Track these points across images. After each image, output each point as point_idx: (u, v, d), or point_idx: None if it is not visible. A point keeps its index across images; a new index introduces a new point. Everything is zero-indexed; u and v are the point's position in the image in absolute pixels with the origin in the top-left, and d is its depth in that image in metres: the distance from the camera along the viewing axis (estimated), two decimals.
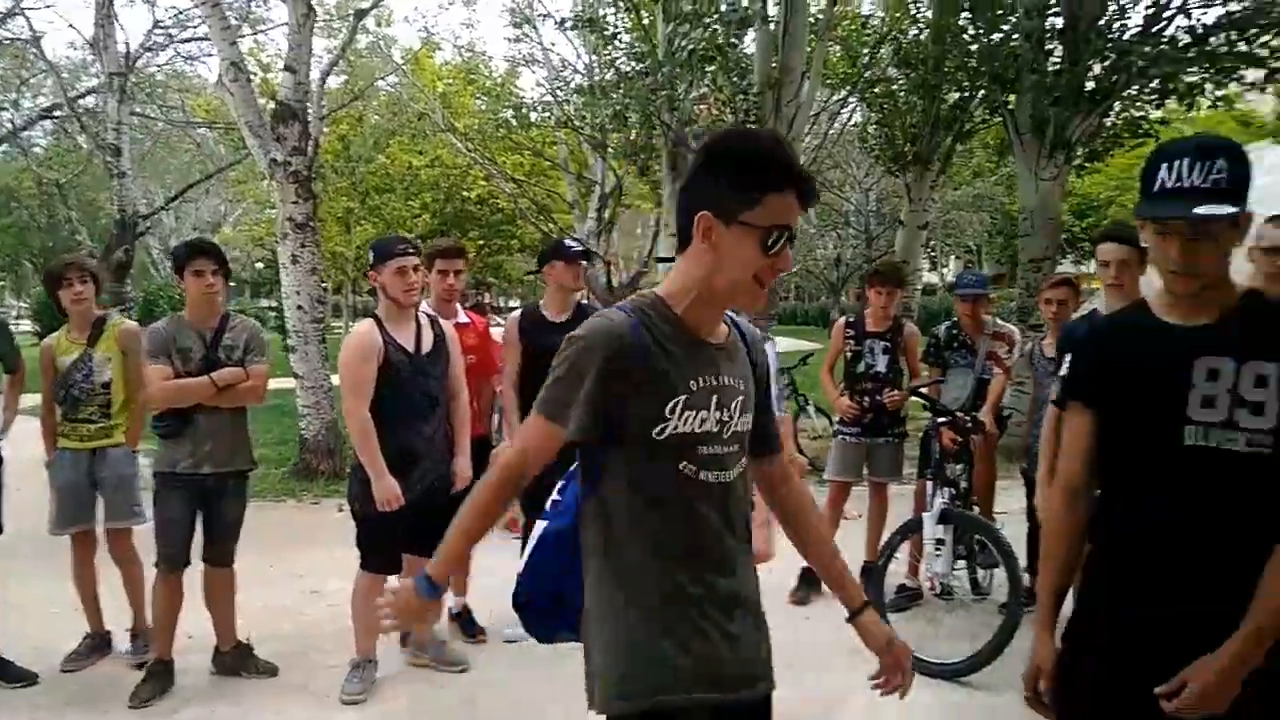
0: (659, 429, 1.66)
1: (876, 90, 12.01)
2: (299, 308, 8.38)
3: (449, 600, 4.53)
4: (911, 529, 4.62)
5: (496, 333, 4.93)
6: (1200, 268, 1.74)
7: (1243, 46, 8.13)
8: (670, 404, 1.66)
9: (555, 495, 1.88)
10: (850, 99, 13.54)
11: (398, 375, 3.69)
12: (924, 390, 4.99)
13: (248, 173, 21.98)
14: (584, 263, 4.38)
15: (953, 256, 35.68)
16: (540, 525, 1.87)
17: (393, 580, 3.86)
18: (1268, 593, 1.67)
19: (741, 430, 1.77)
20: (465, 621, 4.51)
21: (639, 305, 1.72)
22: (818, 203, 1.56)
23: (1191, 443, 1.73)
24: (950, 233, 29.56)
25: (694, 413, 1.68)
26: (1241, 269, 3.71)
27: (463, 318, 4.53)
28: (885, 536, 4.73)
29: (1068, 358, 1.98)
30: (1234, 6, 8.18)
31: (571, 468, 1.84)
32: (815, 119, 12.89)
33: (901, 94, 11.58)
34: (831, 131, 15.27)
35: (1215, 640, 1.69)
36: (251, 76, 9.92)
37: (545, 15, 15.20)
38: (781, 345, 13.52)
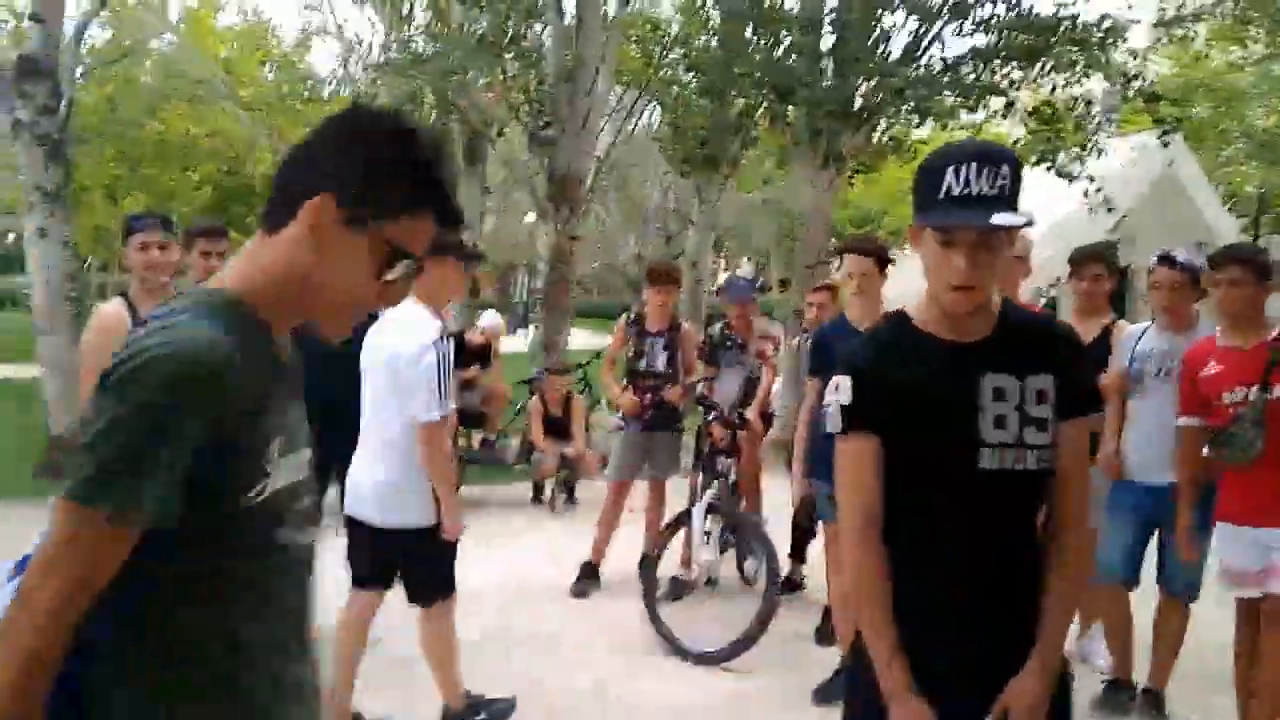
0: (259, 489, 1.18)
1: (670, 91, 12.39)
2: (47, 283, 7.65)
3: None
4: (682, 522, 4.85)
5: None
6: (983, 281, 1.65)
7: (987, 77, 9.04)
8: (269, 452, 1.19)
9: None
10: (646, 98, 13.87)
11: None
12: (698, 387, 5.25)
13: None
14: None
15: (745, 258, 37.29)
16: None
17: None
18: (1055, 605, 1.71)
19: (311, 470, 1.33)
20: None
21: (216, 308, 1.18)
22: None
23: (987, 466, 1.67)
24: (742, 236, 30.86)
25: (291, 458, 1.24)
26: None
27: None
28: None
29: (846, 381, 1.75)
30: (980, 40, 9.08)
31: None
32: (611, 115, 13.12)
33: (692, 98, 12.00)
34: (629, 130, 15.60)
35: (1011, 646, 1.69)
36: None
37: None
38: (579, 340, 13.74)
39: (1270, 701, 3.19)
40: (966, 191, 1.60)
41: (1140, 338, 3.78)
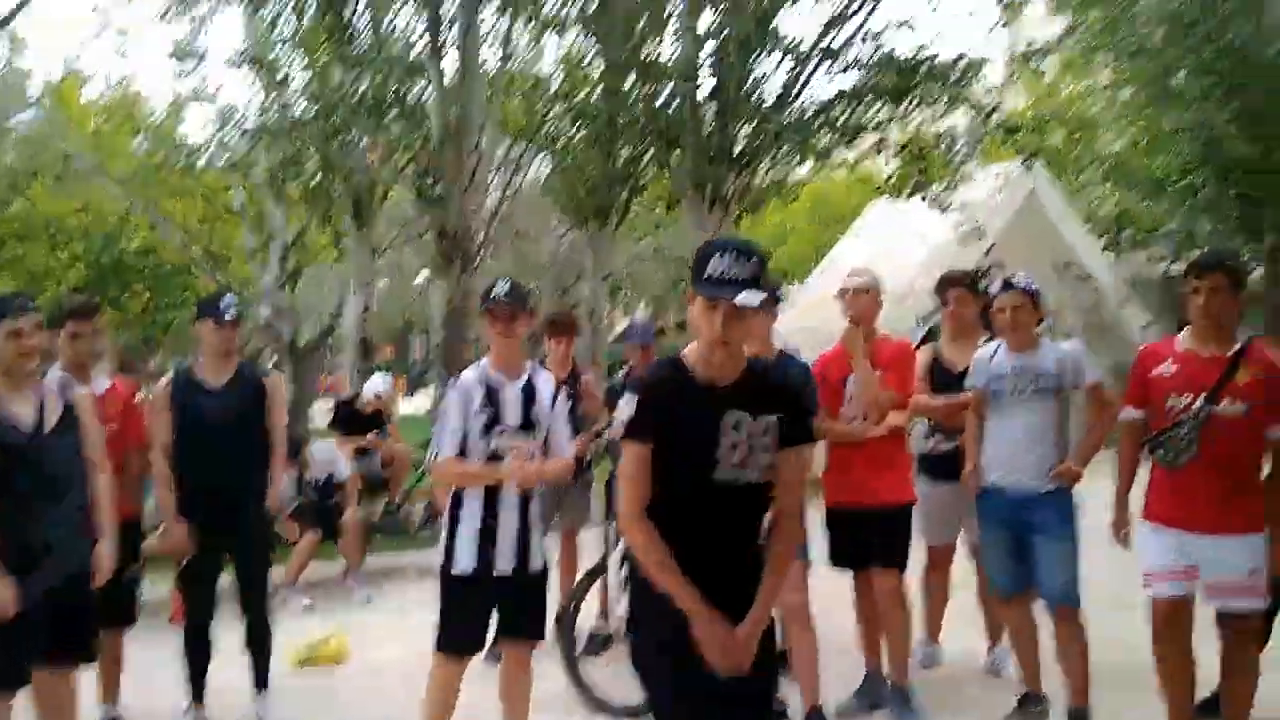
0: None
1: (556, 144, 12.51)
2: None
3: (98, 711, 4.06)
4: (598, 572, 4.79)
5: None
6: (734, 337, 2.27)
7: (858, 116, 9.46)
8: None
9: None
10: (534, 151, 13.95)
11: (11, 456, 3.25)
12: (603, 434, 5.23)
13: None
14: (234, 325, 4.21)
15: (641, 304, 37.67)
16: None
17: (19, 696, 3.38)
18: (769, 580, 2.33)
19: None
20: None
21: None
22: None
23: (721, 479, 2.28)
24: (637, 283, 31.10)
25: None
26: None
27: (103, 384, 4.12)
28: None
29: (632, 402, 2.34)
30: (849, 80, 9.51)
31: None
32: (499, 170, 13.15)
33: (579, 149, 12.15)
34: (519, 184, 15.63)
35: (737, 604, 2.28)
36: None
37: (202, 56, 14.05)
38: None
39: (1236, 708, 3.36)
40: (723, 274, 2.21)
41: (993, 358, 3.90)
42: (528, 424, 3.41)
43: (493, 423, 3.36)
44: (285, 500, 6.28)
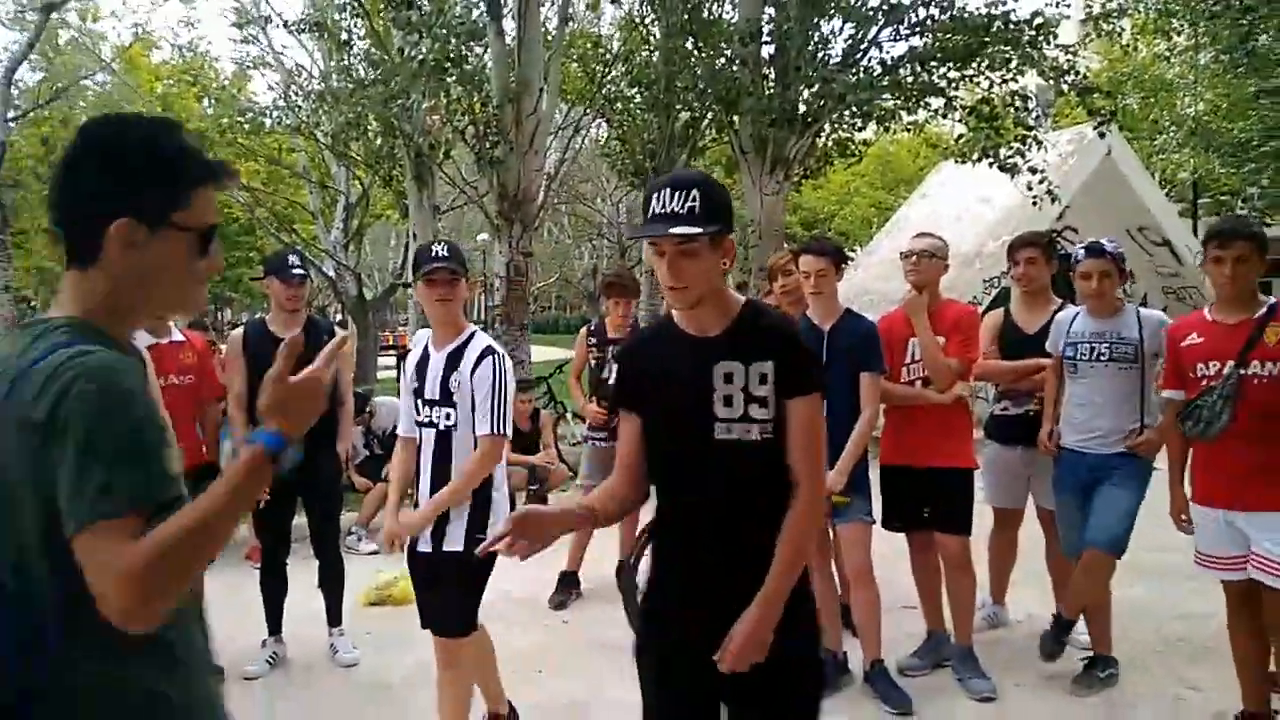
0: None
1: (615, 107, 12.45)
2: None
3: None
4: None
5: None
6: (686, 281, 1.97)
7: (925, 77, 9.22)
8: None
9: None
10: (592, 115, 13.92)
11: None
12: None
13: None
14: (301, 283, 4.28)
15: None
16: None
17: None
18: (779, 557, 1.96)
19: None
20: None
21: (80, 331, 1.30)
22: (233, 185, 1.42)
23: (720, 437, 1.98)
24: None
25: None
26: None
27: (177, 335, 4.26)
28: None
29: (615, 370, 2.12)
30: (916, 42, 9.26)
31: None
32: (558, 133, 13.14)
33: (638, 112, 12.07)
34: (578, 146, 15.63)
35: (748, 597, 1.95)
36: None
37: (269, 19, 14.29)
38: (541, 354, 13.52)
39: None
40: (661, 210, 1.95)
41: (1072, 323, 3.85)
42: (445, 395, 3.07)
43: (418, 394, 3.15)
44: (355, 451, 6.46)
